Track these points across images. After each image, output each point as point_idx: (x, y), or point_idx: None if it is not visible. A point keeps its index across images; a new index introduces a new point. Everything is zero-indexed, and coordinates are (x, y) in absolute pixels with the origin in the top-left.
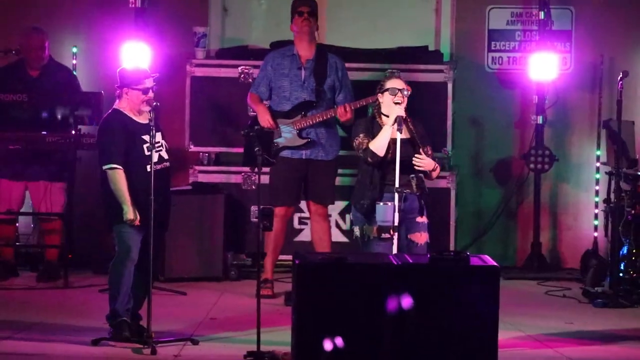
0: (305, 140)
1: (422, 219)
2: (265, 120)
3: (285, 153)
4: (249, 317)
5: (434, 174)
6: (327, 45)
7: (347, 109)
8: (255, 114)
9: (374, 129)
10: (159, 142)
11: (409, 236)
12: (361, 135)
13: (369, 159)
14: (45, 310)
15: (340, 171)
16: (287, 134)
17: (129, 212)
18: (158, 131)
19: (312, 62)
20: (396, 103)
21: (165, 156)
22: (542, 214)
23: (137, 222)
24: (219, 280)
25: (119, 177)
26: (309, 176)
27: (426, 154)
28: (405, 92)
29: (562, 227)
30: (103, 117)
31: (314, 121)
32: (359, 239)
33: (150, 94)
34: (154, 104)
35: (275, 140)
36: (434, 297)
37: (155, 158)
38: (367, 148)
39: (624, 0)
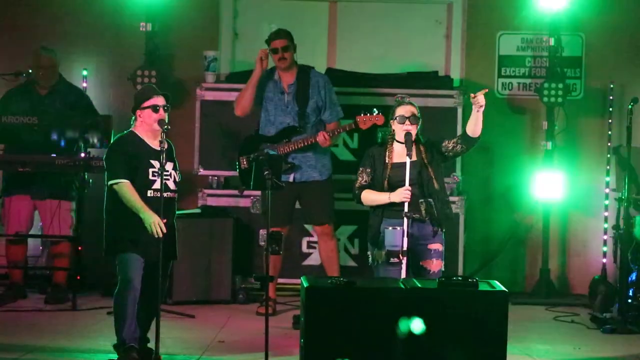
0: (288, 166)
1: (435, 246)
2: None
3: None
4: (256, 340)
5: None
6: (328, 69)
7: (326, 136)
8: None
9: (375, 162)
10: (167, 171)
11: (420, 263)
12: (361, 168)
13: (355, 202)
14: (53, 332)
15: (345, 196)
16: None
17: (147, 219)
18: (171, 161)
19: (294, 86)
20: (405, 130)
21: (172, 187)
22: (550, 240)
23: (162, 225)
24: (227, 303)
25: (127, 189)
26: (303, 199)
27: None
28: (413, 119)
29: (570, 253)
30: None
31: (297, 147)
32: (372, 262)
33: (162, 112)
34: (165, 127)
35: None
36: (442, 322)
37: (159, 185)
38: (359, 193)
39: (635, 27)
